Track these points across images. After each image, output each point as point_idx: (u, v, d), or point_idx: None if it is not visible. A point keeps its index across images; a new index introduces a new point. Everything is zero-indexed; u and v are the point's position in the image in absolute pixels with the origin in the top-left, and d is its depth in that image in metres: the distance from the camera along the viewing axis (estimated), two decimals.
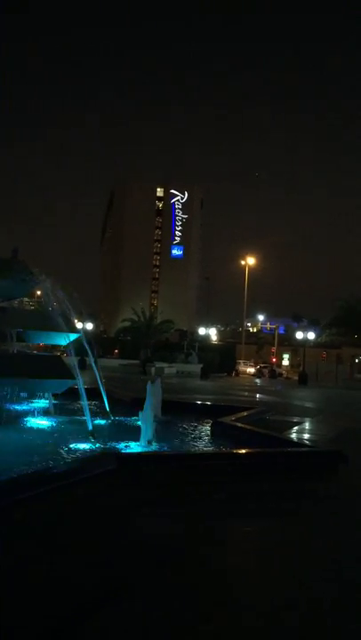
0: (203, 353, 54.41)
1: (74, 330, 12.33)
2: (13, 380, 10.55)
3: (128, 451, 9.40)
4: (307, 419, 16.35)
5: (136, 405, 13.82)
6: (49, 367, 11.26)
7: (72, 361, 11.66)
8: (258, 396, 27.46)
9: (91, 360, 12.91)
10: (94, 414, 11.87)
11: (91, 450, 9.30)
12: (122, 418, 13.12)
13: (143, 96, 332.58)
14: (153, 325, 56.91)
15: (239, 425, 11.42)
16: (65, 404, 13.65)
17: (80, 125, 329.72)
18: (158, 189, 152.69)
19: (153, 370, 39.20)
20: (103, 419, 12.62)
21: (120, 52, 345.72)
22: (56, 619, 3.68)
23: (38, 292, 17.73)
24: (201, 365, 47.12)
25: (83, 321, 13.24)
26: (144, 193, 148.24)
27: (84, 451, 9.25)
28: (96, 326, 72.29)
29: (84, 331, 13.69)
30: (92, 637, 3.46)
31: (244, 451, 9.50)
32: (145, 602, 3.94)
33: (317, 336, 66.25)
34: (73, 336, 12.06)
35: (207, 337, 76.24)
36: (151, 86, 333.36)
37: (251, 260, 78.02)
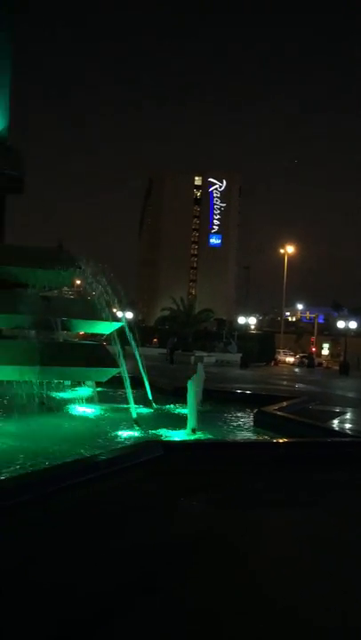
0: (242, 342, 54.23)
1: (116, 319, 12.47)
2: (60, 368, 10.75)
3: (173, 439, 9.50)
4: (349, 409, 16.19)
5: (178, 394, 13.97)
6: (94, 356, 11.43)
7: (116, 350, 11.81)
8: (299, 385, 27.29)
9: (133, 349, 13.04)
10: (136, 402, 12.00)
11: (136, 437, 9.44)
12: (164, 406, 13.25)
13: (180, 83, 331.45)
14: (192, 314, 56.92)
15: (282, 414, 11.41)
16: (107, 392, 13.85)
17: (120, 111, 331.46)
18: (196, 178, 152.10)
19: (192, 359, 39.25)
20: (146, 407, 12.75)
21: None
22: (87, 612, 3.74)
23: (77, 282, 17.94)
24: (240, 354, 46.93)
25: (123, 310, 13.36)
26: (182, 182, 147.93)
27: (130, 438, 9.40)
28: (135, 315, 72.77)
29: (126, 320, 13.81)
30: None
31: (287, 440, 9.51)
32: (173, 595, 3.94)
33: (359, 325, 65.28)
34: (116, 325, 12.20)
35: (246, 326, 75.93)
36: (190, 74, 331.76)
37: (290, 249, 77.17)
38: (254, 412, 11.88)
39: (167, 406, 13.26)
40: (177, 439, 9.46)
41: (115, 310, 12.24)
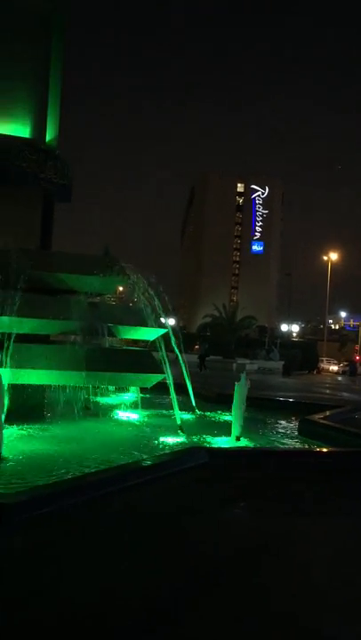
0: (284, 350, 53.77)
1: (161, 325, 12.56)
2: (106, 373, 10.90)
3: (217, 445, 9.51)
4: None
5: (221, 401, 13.98)
6: (140, 362, 11.53)
7: (162, 356, 11.90)
8: (343, 394, 26.93)
9: (177, 355, 13.11)
10: (180, 409, 12.05)
11: (181, 443, 9.49)
12: (208, 413, 13.26)
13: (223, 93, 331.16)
14: (234, 321, 56.80)
15: (327, 423, 11.28)
16: (150, 398, 13.95)
17: (163, 121, 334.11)
18: (238, 185, 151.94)
19: (234, 366, 39.14)
20: (189, 413, 12.79)
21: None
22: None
23: (120, 288, 18.09)
24: (282, 362, 46.58)
25: (166, 317, 13.46)
26: (224, 189, 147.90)
27: (175, 444, 9.45)
28: (177, 322, 72.94)
29: (170, 326, 13.89)
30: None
31: (332, 449, 9.42)
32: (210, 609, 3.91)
33: None
34: (161, 331, 12.29)
35: (288, 333, 75.32)
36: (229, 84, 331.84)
37: (333, 256, 76.19)
38: (299, 420, 11.79)
39: (210, 413, 13.27)
40: (222, 446, 9.48)
41: (159, 317, 12.34)
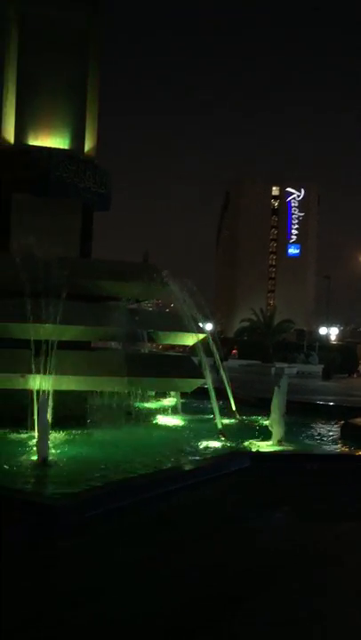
0: (323, 353, 53.12)
1: (200, 330, 12.62)
2: (147, 379, 11.01)
3: (259, 450, 9.51)
4: None
5: (261, 406, 13.91)
6: (180, 366, 11.60)
7: (202, 361, 11.95)
8: None
9: (216, 360, 13.15)
10: (220, 413, 12.05)
11: (222, 448, 9.52)
12: (248, 417, 13.24)
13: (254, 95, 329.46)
14: (272, 325, 56.42)
15: None
16: (190, 403, 14.00)
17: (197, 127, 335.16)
18: (274, 188, 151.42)
19: (273, 370, 38.89)
20: (230, 418, 12.78)
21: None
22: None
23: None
24: (322, 366, 46.04)
25: (204, 322, 13.51)
26: (259, 192, 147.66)
27: (216, 449, 9.49)
28: (214, 326, 72.81)
29: (208, 331, 13.94)
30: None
31: None
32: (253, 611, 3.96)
33: None
34: (200, 336, 12.35)
35: (326, 336, 74.44)
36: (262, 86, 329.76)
37: None
38: (341, 424, 11.68)
39: (251, 417, 13.24)
40: (264, 450, 9.47)
41: (197, 322, 12.40)
